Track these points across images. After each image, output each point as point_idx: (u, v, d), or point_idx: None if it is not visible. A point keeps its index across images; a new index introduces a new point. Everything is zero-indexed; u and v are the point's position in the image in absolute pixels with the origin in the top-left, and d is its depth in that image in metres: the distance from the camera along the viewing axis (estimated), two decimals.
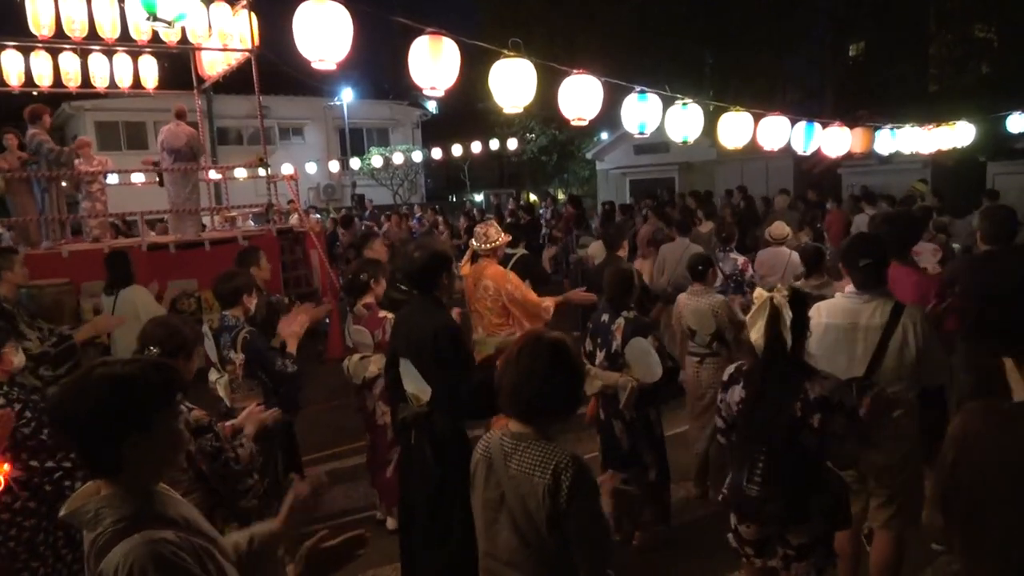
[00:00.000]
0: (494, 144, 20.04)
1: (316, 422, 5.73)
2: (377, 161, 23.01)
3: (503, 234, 4.97)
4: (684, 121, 5.24)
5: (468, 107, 24.30)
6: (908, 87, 18.54)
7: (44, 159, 7.59)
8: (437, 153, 20.78)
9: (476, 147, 19.53)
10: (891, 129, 7.41)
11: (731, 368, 2.82)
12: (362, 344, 4.36)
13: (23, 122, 7.70)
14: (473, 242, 4.99)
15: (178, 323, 2.86)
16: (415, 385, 3.16)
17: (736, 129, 5.61)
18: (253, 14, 8.22)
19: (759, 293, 2.63)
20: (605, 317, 4.03)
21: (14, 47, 8.01)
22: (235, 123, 22.52)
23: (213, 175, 10.66)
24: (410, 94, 28.99)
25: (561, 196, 22.27)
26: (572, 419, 5.84)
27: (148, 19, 4.19)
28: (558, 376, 2.03)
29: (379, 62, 30.09)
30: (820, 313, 3.20)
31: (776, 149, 5.97)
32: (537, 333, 2.20)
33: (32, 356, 3.74)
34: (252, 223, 10.41)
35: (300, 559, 1.63)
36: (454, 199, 30.61)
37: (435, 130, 29.67)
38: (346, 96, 27.35)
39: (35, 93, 8.58)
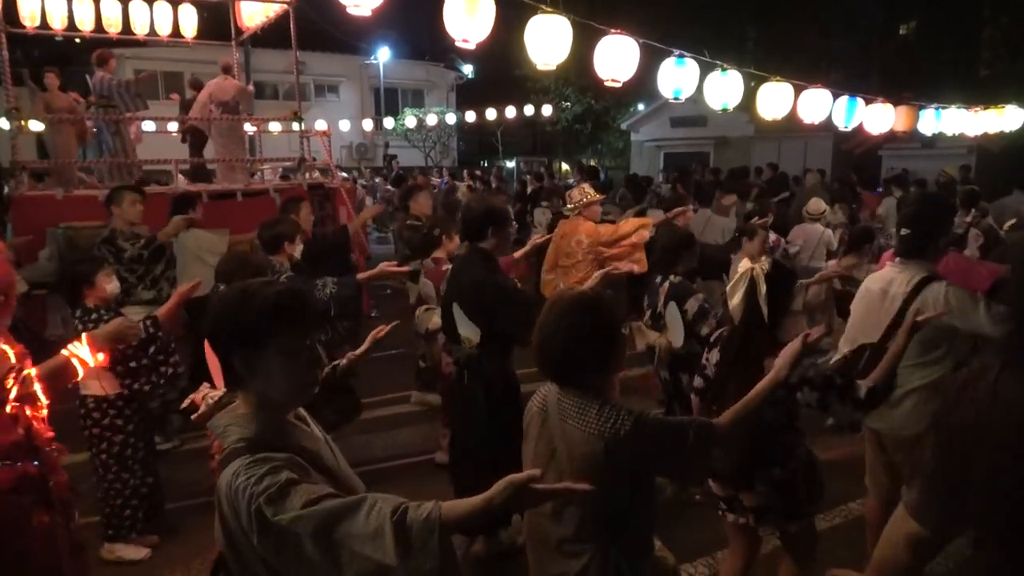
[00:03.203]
0: (528, 110, 19.86)
1: (365, 371, 5.86)
2: (411, 122, 22.96)
3: (590, 194, 5.26)
4: (723, 88, 5.14)
5: (504, 72, 24.05)
6: (958, 71, 17.97)
7: (120, 97, 7.72)
8: (471, 117, 20.67)
9: (510, 112, 19.39)
10: (936, 109, 7.19)
11: (717, 331, 2.88)
12: (428, 296, 4.55)
13: (65, 65, 7.80)
14: (568, 205, 5.44)
15: (243, 254, 3.02)
16: (466, 328, 3.45)
17: (776, 100, 5.47)
18: None
19: (744, 263, 2.60)
20: (658, 278, 4.20)
21: None
22: (271, 77, 22.59)
23: (248, 128, 10.74)
24: (447, 56, 28.82)
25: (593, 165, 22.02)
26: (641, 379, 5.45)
27: None
28: (583, 333, 1.91)
29: (416, 22, 29.83)
30: (866, 280, 3.28)
31: (816, 123, 5.82)
32: (560, 292, 2.09)
33: (131, 259, 4.68)
34: (278, 177, 10.48)
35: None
36: (486, 164, 30.46)
37: (470, 94, 29.51)
38: (382, 55, 27.21)
39: (77, 41, 8.65)
